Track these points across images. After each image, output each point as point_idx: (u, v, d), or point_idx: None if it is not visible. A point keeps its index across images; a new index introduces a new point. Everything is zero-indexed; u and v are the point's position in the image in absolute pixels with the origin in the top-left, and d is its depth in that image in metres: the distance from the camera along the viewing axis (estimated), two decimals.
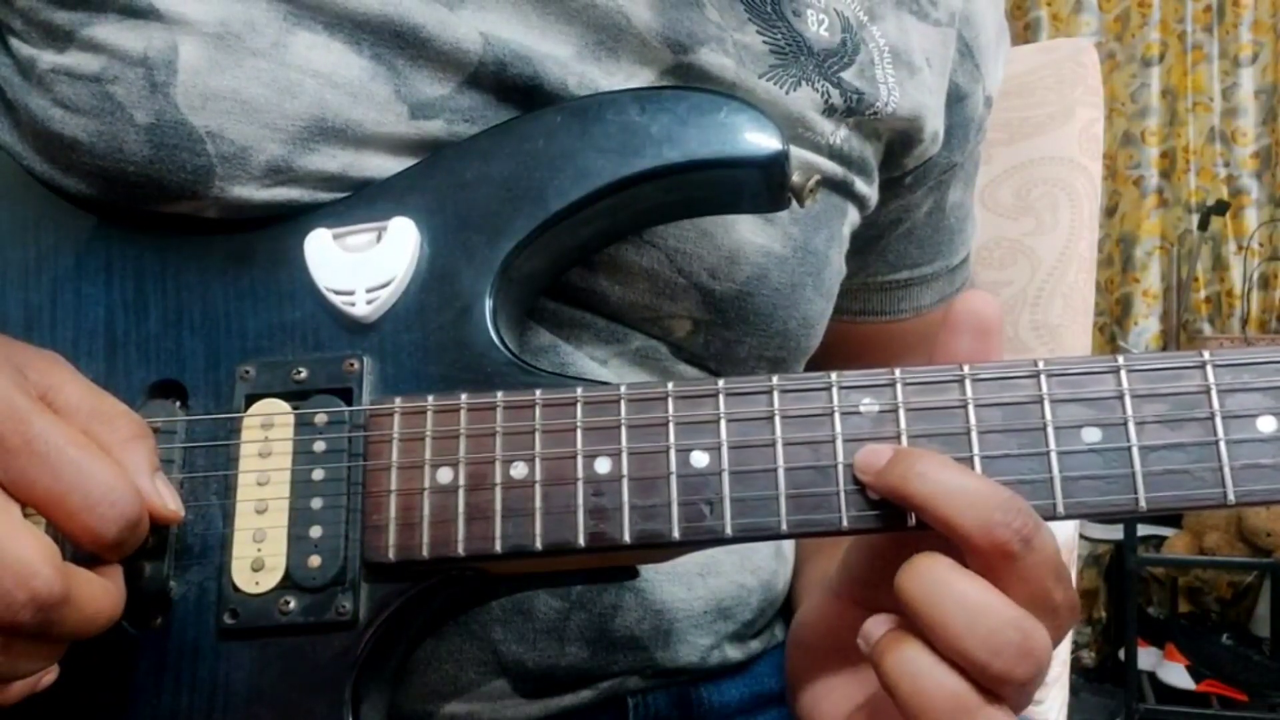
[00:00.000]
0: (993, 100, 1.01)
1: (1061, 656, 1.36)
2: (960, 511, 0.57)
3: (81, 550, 0.57)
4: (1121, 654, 3.44)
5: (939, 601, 0.57)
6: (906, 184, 0.94)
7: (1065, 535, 1.32)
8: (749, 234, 0.80)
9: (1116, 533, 3.37)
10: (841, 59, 0.84)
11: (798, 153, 0.80)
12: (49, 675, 0.58)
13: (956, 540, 0.58)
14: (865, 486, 0.61)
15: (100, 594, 0.57)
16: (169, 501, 0.60)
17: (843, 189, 0.86)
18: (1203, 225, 3.87)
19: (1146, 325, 4.05)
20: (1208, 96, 4.03)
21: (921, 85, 0.89)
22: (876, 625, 0.60)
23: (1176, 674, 3.43)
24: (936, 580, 0.57)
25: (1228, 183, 4.01)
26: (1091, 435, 0.60)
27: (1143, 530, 3.39)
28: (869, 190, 0.89)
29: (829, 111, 0.83)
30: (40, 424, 0.56)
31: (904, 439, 0.62)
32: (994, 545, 0.57)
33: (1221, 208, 3.87)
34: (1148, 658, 3.48)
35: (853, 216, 0.89)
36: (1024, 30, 4.12)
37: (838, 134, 0.84)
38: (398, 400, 0.66)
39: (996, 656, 0.56)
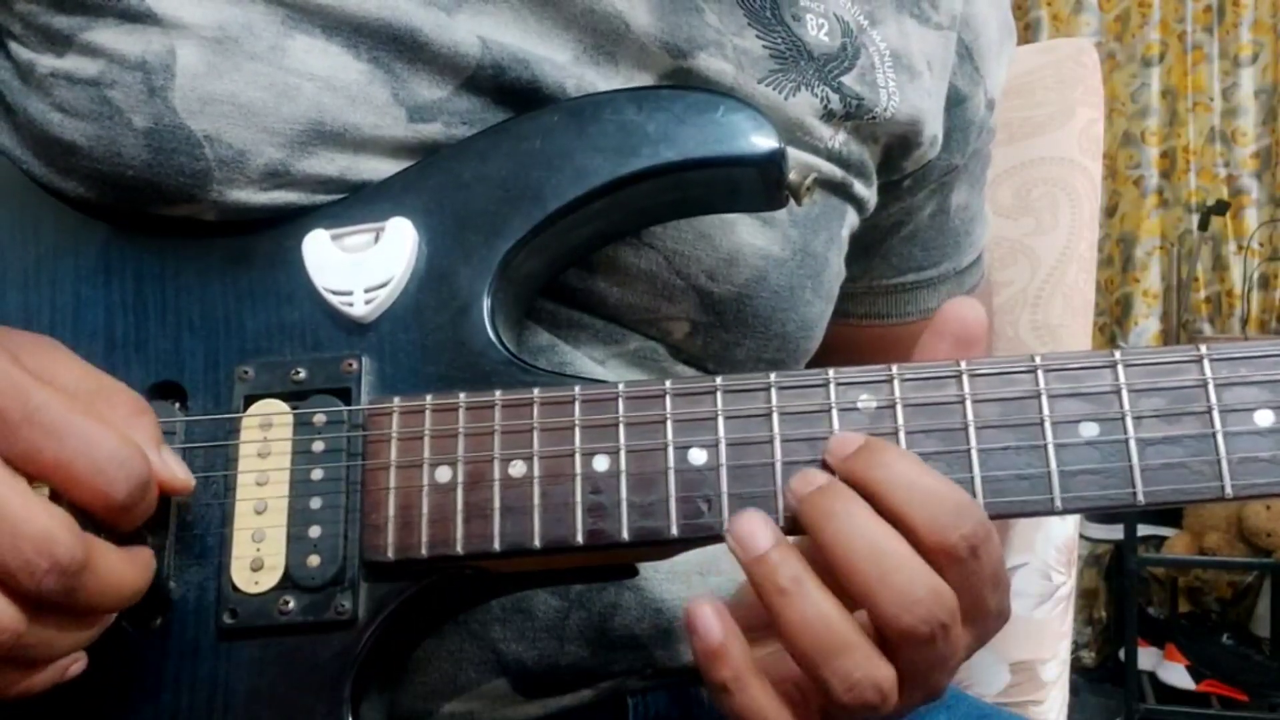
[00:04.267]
0: (995, 102, 1.00)
1: (1061, 656, 1.36)
2: (913, 505, 0.58)
3: (95, 519, 0.58)
4: (1121, 654, 3.44)
5: (852, 545, 0.58)
6: (906, 187, 0.95)
7: (1065, 535, 1.33)
8: (748, 236, 0.80)
9: (1117, 533, 3.37)
10: (841, 64, 0.84)
11: (795, 152, 0.80)
12: (77, 664, 0.59)
13: (905, 533, 0.58)
14: (830, 469, 0.61)
15: (122, 563, 0.58)
16: (178, 471, 0.61)
17: (841, 191, 0.87)
18: (1203, 225, 3.87)
19: (1146, 325, 4.04)
20: (1208, 96, 4.03)
21: (921, 89, 0.89)
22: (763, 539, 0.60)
23: (1176, 674, 3.43)
24: (851, 521, 0.58)
25: (1228, 183, 4.01)
26: (1089, 430, 0.60)
27: (1143, 530, 3.39)
28: (868, 193, 0.89)
29: (828, 117, 0.83)
30: (41, 395, 0.56)
31: (902, 435, 0.62)
32: (941, 547, 0.58)
33: (1221, 208, 3.87)
34: (1148, 658, 3.48)
35: (851, 219, 0.89)
36: (1024, 30, 4.11)
37: (836, 138, 0.84)
38: (396, 400, 0.66)
39: (907, 611, 0.57)
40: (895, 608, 0.57)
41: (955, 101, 0.95)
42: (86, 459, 0.56)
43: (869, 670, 0.57)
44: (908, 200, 0.96)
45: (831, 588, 0.59)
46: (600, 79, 0.76)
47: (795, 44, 0.82)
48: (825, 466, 0.61)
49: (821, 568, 0.59)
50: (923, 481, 0.59)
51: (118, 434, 0.57)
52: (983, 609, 0.60)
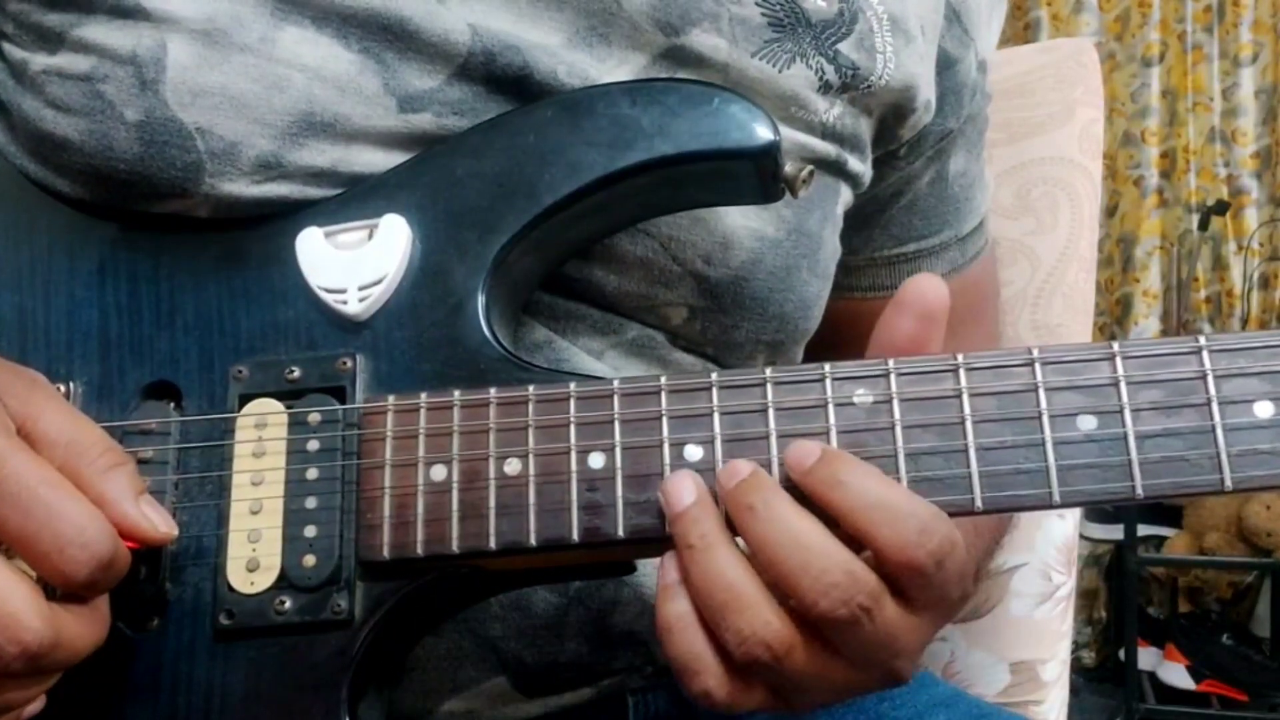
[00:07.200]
0: (987, 64, 1.00)
1: (1061, 656, 1.36)
2: (877, 526, 0.58)
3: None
4: (1121, 654, 3.44)
5: (770, 537, 0.59)
6: (902, 155, 0.94)
7: (1065, 535, 1.32)
8: (742, 219, 0.80)
9: (1117, 533, 3.37)
10: (839, 29, 0.83)
11: (789, 135, 0.80)
12: (35, 704, 0.59)
13: (871, 551, 0.59)
14: (793, 483, 0.61)
15: (87, 629, 0.58)
16: (159, 524, 0.60)
17: (835, 169, 0.86)
18: (1203, 225, 3.87)
19: (1146, 325, 4.04)
20: (1208, 96, 4.03)
21: (915, 53, 0.88)
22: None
23: (1176, 674, 3.43)
24: (777, 520, 0.59)
25: (1228, 183, 4.01)
26: (1087, 423, 0.60)
27: (1143, 530, 3.39)
28: (862, 168, 0.89)
29: (824, 89, 0.83)
30: (13, 463, 0.56)
31: (898, 430, 0.61)
32: (908, 565, 0.58)
33: (1221, 208, 3.87)
34: (1148, 658, 3.48)
35: (846, 196, 0.89)
36: (1024, 30, 4.12)
37: (831, 111, 0.83)
38: (391, 398, 0.66)
39: (824, 596, 0.57)
40: (813, 594, 0.57)
41: (945, 65, 0.94)
42: (50, 535, 0.55)
43: (758, 628, 0.58)
44: (905, 169, 0.96)
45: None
46: (593, 61, 0.76)
47: (794, 11, 0.82)
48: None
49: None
50: (884, 499, 0.59)
51: (85, 508, 0.57)
52: (947, 602, 0.61)
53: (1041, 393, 0.61)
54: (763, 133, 0.70)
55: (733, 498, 0.60)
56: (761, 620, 0.58)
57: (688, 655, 0.60)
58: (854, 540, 0.59)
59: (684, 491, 0.61)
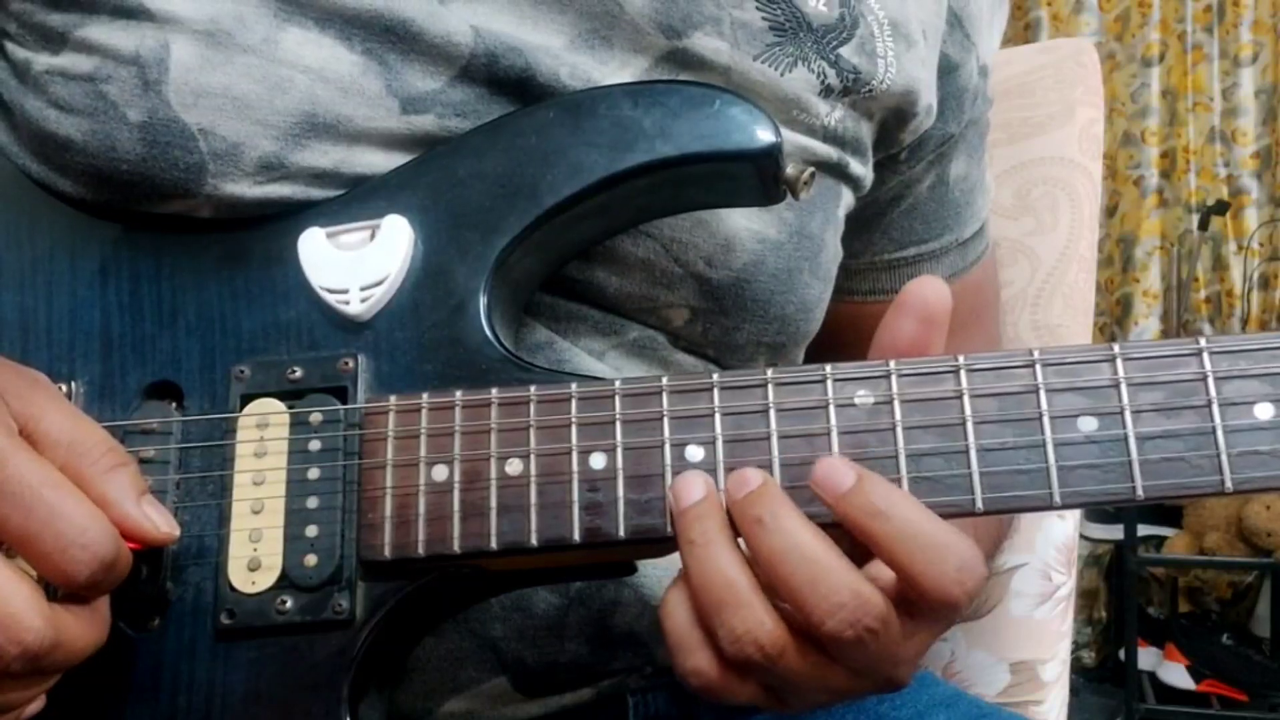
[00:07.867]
0: (988, 69, 1.00)
1: (1061, 656, 1.36)
2: (915, 562, 0.58)
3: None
4: (1121, 654, 3.43)
5: (777, 552, 0.59)
6: (903, 159, 0.94)
7: (1065, 535, 1.32)
8: (744, 220, 0.80)
9: (1117, 533, 3.37)
10: (840, 34, 0.84)
11: (791, 138, 0.80)
12: (35, 704, 0.59)
13: (904, 581, 0.59)
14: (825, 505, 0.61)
15: (87, 629, 0.58)
16: (160, 524, 0.60)
17: (837, 171, 0.86)
18: (1203, 225, 3.87)
19: (1147, 325, 4.04)
20: (1208, 96, 4.03)
21: (916, 58, 0.88)
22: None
23: (1176, 674, 3.43)
24: (785, 534, 0.59)
25: (1228, 183, 4.01)
26: (1088, 424, 0.60)
27: (1143, 530, 3.39)
28: (863, 171, 0.89)
29: (825, 92, 0.83)
30: (15, 463, 0.56)
31: (899, 431, 0.61)
32: (944, 599, 0.58)
33: (1221, 208, 3.86)
34: (1148, 658, 3.48)
35: (847, 199, 0.89)
36: (1024, 30, 4.12)
37: (833, 115, 0.84)
38: (392, 398, 0.66)
39: (831, 617, 0.58)
40: (819, 612, 0.58)
41: (946, 70, 0.94)
42: (52, 535, 0.55)
43: (751, 627, 0.59)
44: (906, 173, 0.96)
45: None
46: (595, 64, 0.76)
47: (795, 15, 0.82)
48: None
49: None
50: (924, 532, 0.58)
51: (87, 509, 0.57)
52: (954, 617, 0.61)
53: (1042, 394, 0.61)
54: (764, 134, 0.70)
55: (740, 509, 0.60)
56: (755, 620, 0.59)
57: (681, 633, 0.61)
58: (858, 553, 0.59)
59: (693, 489, 0.61)
